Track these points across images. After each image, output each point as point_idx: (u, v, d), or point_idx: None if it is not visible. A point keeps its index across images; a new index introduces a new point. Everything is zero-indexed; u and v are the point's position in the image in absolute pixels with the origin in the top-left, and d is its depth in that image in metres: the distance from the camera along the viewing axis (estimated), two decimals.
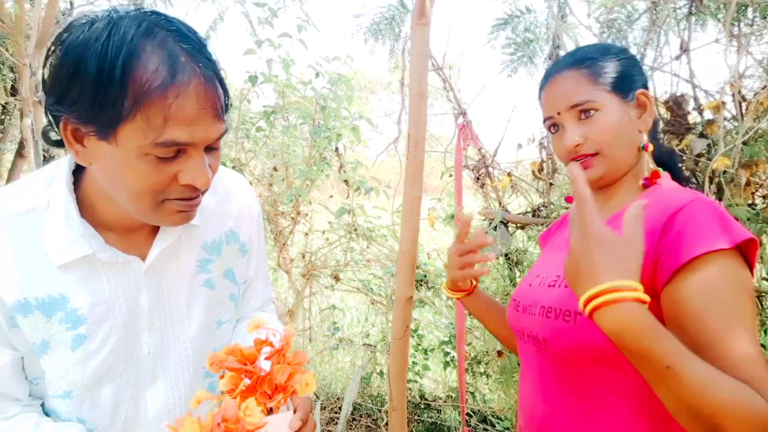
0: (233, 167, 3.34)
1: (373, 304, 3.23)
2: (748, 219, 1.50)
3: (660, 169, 0.98)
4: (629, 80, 0.96)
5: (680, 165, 1.07)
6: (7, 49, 4.20)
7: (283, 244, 3.34)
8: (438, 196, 2.83)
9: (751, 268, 0.79)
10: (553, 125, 1.00)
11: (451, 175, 2.38)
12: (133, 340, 0.87)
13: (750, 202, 1.64)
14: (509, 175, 2.21)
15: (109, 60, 0.64)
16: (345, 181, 3.08)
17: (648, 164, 0.97)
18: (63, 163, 0.83)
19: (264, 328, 0.77)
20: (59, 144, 0.76)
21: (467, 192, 2.69)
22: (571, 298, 0.91)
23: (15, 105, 4.72)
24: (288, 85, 3.24)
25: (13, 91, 4.73)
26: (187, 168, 0.72)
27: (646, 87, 0.99)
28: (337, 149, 3.11)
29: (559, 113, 0.97)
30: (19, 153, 4.77)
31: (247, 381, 0.74)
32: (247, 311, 1.10)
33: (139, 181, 0.71)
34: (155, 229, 0.88)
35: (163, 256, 0.88)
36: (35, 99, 3.72)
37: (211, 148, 0.76)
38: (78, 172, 0.84)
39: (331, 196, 3.46)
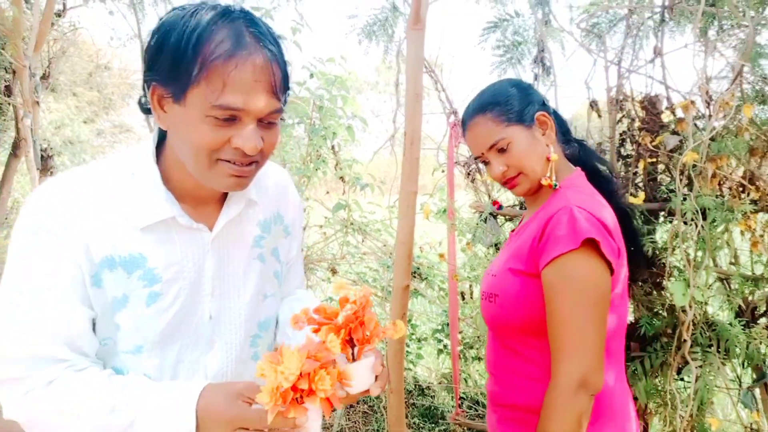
0: None
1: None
2: (714, 208, 1.66)
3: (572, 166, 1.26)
4: (526, 110, 1.21)
5: (594, 159, 1.30)
6: (2, 50, 4.25)
7: None
8: (430, 192, 2.98)
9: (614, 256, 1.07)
10: (483, 161, 1.24)
11: (443, 171, 2.52)
12: (196, 303, 0.94)
13: (717, 193, 1.80)
14: None
15: (186, 33, 0.76)
16: (341, 177, 3.22)
17: (556, 168, 1.22)
18: (148, 140, 0.94)
19: (346, 288, 0.85)
20: (148, 111, 0.88)
21: (458, 188, 2.84)
22: (494, 284, 1.20)
23: (9, 106, 4.75)
24: None
25: (7, 92, 4.76)
26: (239, 134, 0.81)
27: (543, 106, 1.23)
28: (333, 147, 3.23)
29: (482, 153, 1.22)
30: (14, 153, 4.80)
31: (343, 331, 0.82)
32: (289, 290, 1.18)
33: (200, 138, 0.80)
34: (221, 203, 0.97)
35: (227, 228, 0.97)
36: (34, 99, 3.80)
37: (266, 124, 0.85)
38: (159, 148, 0.93)
39: (328, 193, 3.59)
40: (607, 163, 1.33)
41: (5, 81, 4.58)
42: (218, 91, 0.77)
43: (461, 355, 2.86)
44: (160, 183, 0.89)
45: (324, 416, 0.81)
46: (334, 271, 3.29)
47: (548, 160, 1.20)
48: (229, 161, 0.84)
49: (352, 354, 0.84)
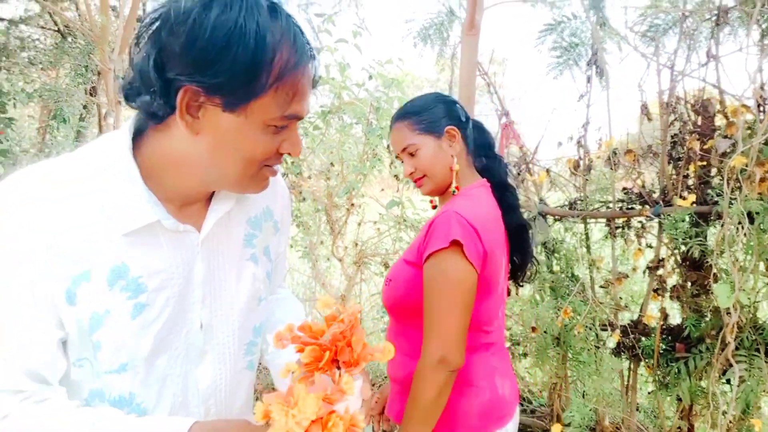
0: (292, 162, 3.65)
1: None
2: (762, 212, 1.67)
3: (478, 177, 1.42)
4: (439, 122, 1.37)
5: (501, 174, 1.44)
6: (91, 55, 4.64)
7: (337, 234, 3.63)
8: None
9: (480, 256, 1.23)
10: (400, 159, 1.41)
11: None
12: (186, 311, 0.86)
13: None
14: (547, 171, 2.41)
15: (257, 42, 0.69)
16: (395, 176, 3.34)
17: (459, 176, 1.38)
18: (120, 133, 0.80)
19: (331, 304, 0.80)
20: (127, 98, 0.77)
21: None
22: (392, 271, 1.37)
23: (92, 105, 5.14)
24: (343, 87, 3.51)
25: (93, 92, 5.16)
26: (288, 139, 0.79)
27: (459, 122, 1.39)
28: (388, 146, 3.36)
29: (398, 154, 1.39)
30: None
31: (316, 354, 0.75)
32: (273, 288, 1.09)
33: (256, 149, 0.77)
34: (208, 203, 0.89)
35: (216, 228, 0.88)
36: (118, 100, 4.15)
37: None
38: (134, 142, 0.82)
39: (383, 190, 3.72)
40: (513, 180, 1.51)
41: (92, 82, 4.97)
42: (287, 103, 0.74)
43: (509, 352, 2.92)
44: (139, 182, 0.78)
45: None
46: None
47: (451, 169, 1.35)
48: (269, 166, 0.82)
49: (339, 375, 0.76)
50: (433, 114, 1.37)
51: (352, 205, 3.54)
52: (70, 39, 4.81)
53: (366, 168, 3.41)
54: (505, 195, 1.40)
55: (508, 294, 1.56)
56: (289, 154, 0.81)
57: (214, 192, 0.89)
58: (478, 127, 1.47)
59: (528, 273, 1.50)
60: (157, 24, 0.72)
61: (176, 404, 0.87)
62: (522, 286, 1.57)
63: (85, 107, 5.14)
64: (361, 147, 3.49)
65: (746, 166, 1.72)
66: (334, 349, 0.75)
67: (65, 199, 0.75)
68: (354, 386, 0.72)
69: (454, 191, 1.35)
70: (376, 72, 3.44)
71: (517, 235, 1.41)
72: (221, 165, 0.78)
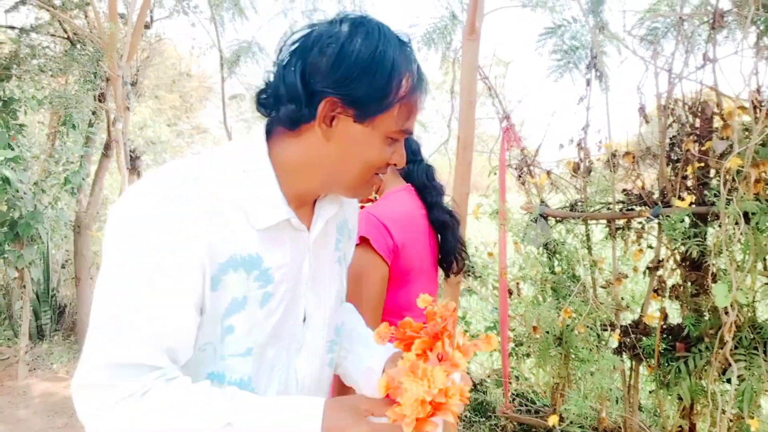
0: None
1: None
2: (758, 212, 1.70)
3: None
4: None
5: (423, 178, 1.57)
6: (99, 61, 4.71)
7: None
8: (485, 193, 3.09)
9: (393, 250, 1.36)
10: None
11: (495, 173, 2.63)
12: (294, 305, 0.94)
13: (767, 198, 1.83)
14: (548, 173, 2.45)
15: (393, 67, 0.83)
16: None
17: (387, 183, 1.53)
18: (256, 136, 0.90)
19: (427, 302, 0.86)
20: (264, 107, 0.89)
21: (510, 190, 2.93)
22: None
23: (101, 111, 5.21)
24: None
25: (101, 98, 5.23)
26: (397, 150, 0.91)
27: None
28: None
29: None
30: (105, 153, 5.26)
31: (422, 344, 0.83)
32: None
33: (375, 156, 0.87)
34: (313, 206, 0.98)
35: (320, 229, 0.97)
36: (126, 106, 4.22)
37: None
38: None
39: None
40: (434, 181, 1.61)
41: (101, 89, 5.04)
42: (406, 118, 0.87)
43: (512, 353, 2.96)
44: (275, 183, 0.88)
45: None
46: None
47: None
48: (377, 174, 0.92)
49: (452, 351, 0.83)
50: None
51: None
52: (79, 46, 4.88)
53: None
54: (426, 195, 1.54)
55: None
56: (395, 164, 0.92)
57: (317, 197, 0.99)
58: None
59: (456, 265, 1.60)
60: (301, 44, 0.85)
61: (280, 393, 0.94)
62: (449, 276, 1.66)
63: (94, 113, 5.21)
64: None
65: (742, 167, 1.75)
66: (442, 339, 0.82)
67: (213, 195, 0.82)
68: (464, 362, 0.80)
69: (375, 197, 1.49)
70: None
71: (440, 231, 1.56)
72: (345, 169, 0.89)
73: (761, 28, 1.94)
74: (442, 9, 3.62)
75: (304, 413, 0.80)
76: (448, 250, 1.58)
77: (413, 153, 1.59)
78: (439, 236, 1.58)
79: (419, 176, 1.57)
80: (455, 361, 0.79)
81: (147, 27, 5.28)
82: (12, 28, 4.99)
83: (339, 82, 0.82)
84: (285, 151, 0.90)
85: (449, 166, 3.32)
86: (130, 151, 4.70)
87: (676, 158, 2.13)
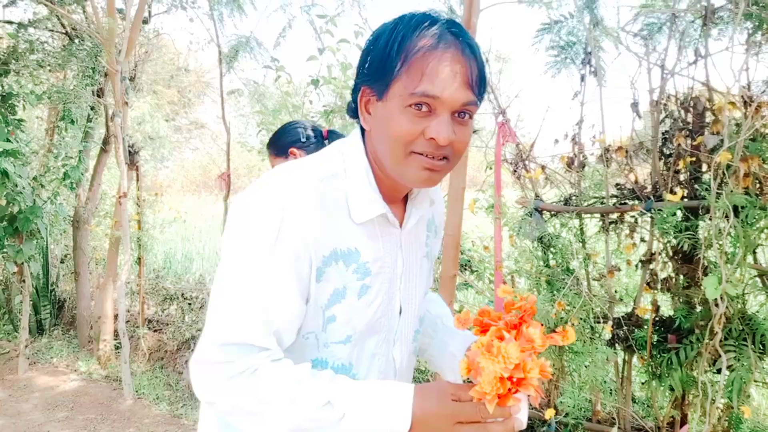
0: None
1: None
2: (747, 206, 1.73)
3: None
4: (284, 147, 1.68)
5: None
6: (97, 57, 4.72)
7: None
8: (481, 188, 3.12)
9: None
10: None
11: (491, 168, 2.66)
12: (390, 297, 0.98)
13: (757, 192, 1.86)
14: (543, 167, 2.48)
15: (393, 35, 0.83)
16: None
17: None
18: (354, 139, 0.95)
19: (508, 292, 0.87)
20: (355, 114, 0.94)
21: (508, 184, 2.96)
22: None
23: (100, 106, 5.22)
24: (346, 86, 3.58)
25: (100, 93, 5.24)
26: (433, 124, 0.83)
27: (296, 144, 1.68)
28: None
29: None
30: (104, 148, 5.28)
31: (506, 334, 0.81)
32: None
33: (398, 128, 0.84)
34: (404, 203, 1.01)
35: (412, 225, 1.01)
36: (125, 101, 4.23)
37: (460, 120, 0.86)
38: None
39: None
40: None
41: (99, 84, 5.05)
42: (417, 81, 0.82)
43: None
44: (373, 180, 0.93)
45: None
46: None
47: None
48: (421, 154, 0.86)
49: (526, 328, 0.83)
50: (280, 141, 1.69)
51: None
52: (77, 41, 4.89)
53: None
54: None
55: None
56: (433, 139, 0.84)
57: (407, 196, 1.01)
58: (333, 137, 1.72)
59: None
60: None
61: (380, 379, 1.00)
62: None
63: (92, 108, 5.22)
64: None
65: (732, 162, 1.78)
66: (518, 332, 0.82)
67: (318, 192, 0.88)
68: (539, 337, 0.79)
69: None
70: None
71: None
72: (382, 150, 0.89)
73: (753, 24, 1.96)
74: (439, 4, 3.64)
75: (396, 396, 0.84)
76: None
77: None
78: None
79: None
80: (530, 336, 0.79)
81: (145, 22, 5.28)
82: (10, 23, 4.99)
83: (359, 70, 0.90)
84: (368, 149, 0.95)
85: None
86: (129, 146, 4.71)
87: (668, 153, 2.16)
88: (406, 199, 1.02)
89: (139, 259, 5.05)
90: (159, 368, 4.53)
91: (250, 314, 0.84)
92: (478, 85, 0.86)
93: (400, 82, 0.83)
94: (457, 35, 0.85)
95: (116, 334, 4.41)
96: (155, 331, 5.06)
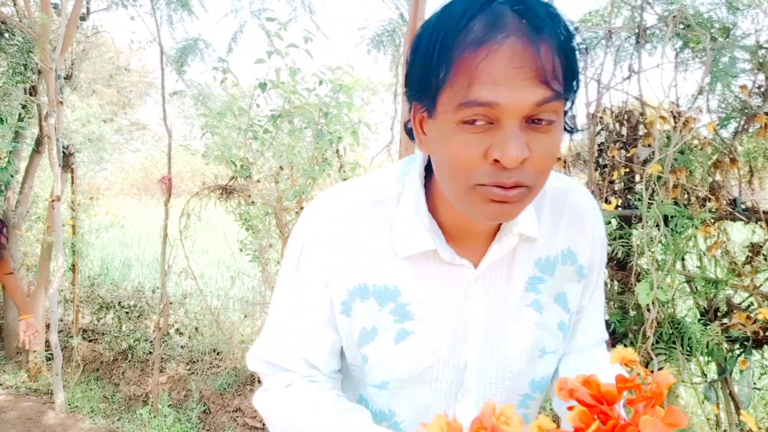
0: (242, 166, 3.65)
1: None
2: (676, 216, 1.82)
3: None
4: None
5: None
6: (31, 53, 4.49)
7: (287, 237, 3.65)
8: None
9: None
10: None
11: None
12: (453, 347, 0.82)
13: (685, 202, 1.96)
14: None
15: (436, 31, 0.63)
16: (344, 179, 3.41)
17: None
18: (417, 158, 0.81)
19: (632, 364, 0.59)
20: (413, 136, 0.75)
21: None
22: None
23: (33, 105, 4.98)
24: (294, 91, 3.55)
25: (32, 92, 5.00)
26: (496, 141, 0.62)
27: None
28: (337, 151, 3.42)
29: None
30: (36, 149, 5.03)
31: (600, 424, 0.55)
32: (576, 347, 0.93)
33: (451, 155, 0.65)
34: (491, 238, 0.80)
35: (495, 267, 0.81)
36: (59, 100, 4.03)
37: (537, 126, 0.63)
38: (428, 170, 0.80)
39: None
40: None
41: (32, 81, 4.81)
42: (465, 89, 0.61)
43: None
44: (424, 209, 0.77)
45: None
46: None
47: None
48: (486, 185, 0.65)
49: None
50: None
51: (302, 208, 3.58)
52: (7, 35, 4.63)
53: (315, 172, 3.46)
54: None
55: None
56: (497, 161, 0.62)
57: (499, 228, 0.80)
58: None
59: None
60: None
61: None
62: None
63: (24, 107, 4.96)
64: (311, 151, 3.53)
65: (662, 173, 1.87)
66: (614, 424, 0.54)
67: (361, 220, 0.79)
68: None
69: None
70: (326, 78, 3.49)
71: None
72: (442, 182, 0.71)
73: (680, 44, 2.08)
74: (390, 12, 3.67)
75: None
76: None
77: None
78: None
79: None
80: None
81: (83, 19, 5.07)
82: None
83: (406, 81, 0.71)
84: (432, 175, 0.78)
85: None
86: (64, 147, 4.50)
87: (603, 164, 2.25)
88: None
89: (74, 265, 4.82)
90: (94, 380, 4.33)
91: (279, 337, 0.85)
92: (562, 74, 0.63)
93: (446, 93, 0.63)
94: (523, 14, 0.61)
95: (48, 345, 4.19)
96: (90, 341, 4.85)
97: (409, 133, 0.77)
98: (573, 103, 0.69)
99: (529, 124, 0.63)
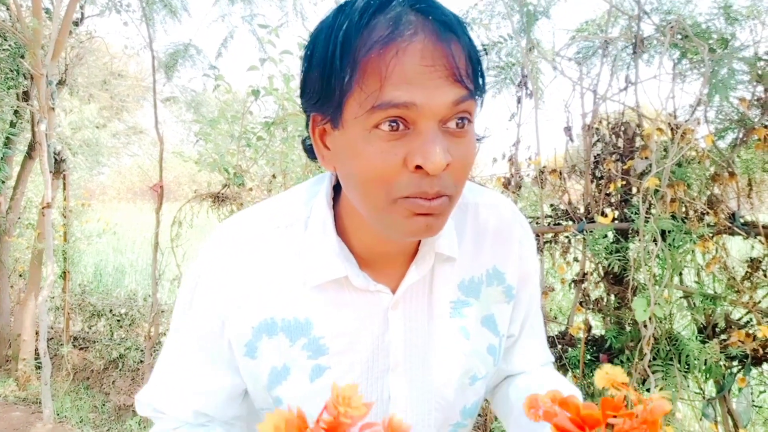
0: (234, 173, 3.61)
1: None
2: (673, 230, 1.78)
3: None
4: None
5: None
6: (23, 58, 4.45)
7: None
8: None
9: None
10: None
11: None
12: (375, 379, 0.75)
13: (683, 216, 1.92)
14: None
15: (333, 34, 0.58)
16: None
17: None
18: (325, 177, 0.74)
19: (622, 387, 0.52)
20: (313, 154, 0.69)
21: None
22: None
23: (26, 110, 4.95)
24: (288, 98, 3.51)
25: (25, 97, 4.96)
26: (415, 147, 0.57)
27: None
28: None
29: None
30: (29, 155, 5.00)
31: None
32: (517, 369, 0.88)
33: (366, 166, 0.59)
34: (409, 260, 0.74)
35: (413, 291, 0.75)
36: (50, 106, 3.99)
37: (453, 130, 0.59)
38: (337, 189, 0.74)
39: None
40: None
41: (23, 87, 4.77)
42: (377, 91, 0.56)
43: None
44: (332, 233, 0.70)
45: None
46: None
47: None
48: (409, 197, 0.59)
49: None
50: None
51: None
52: None
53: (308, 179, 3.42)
54: None
55: None
56: (419, 167, 0.57)
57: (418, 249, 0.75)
58: None
59: None
60: None
61: None
62: None
63: (16, 113, 4.92)
64: (305, 159, 3.49)
65: (659, 187, 1.83)
66: None
67: (266, 249, 0.72)
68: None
69: None
70: None
71: None
72: (354, 199, 0.65)
73: (678, 54, 2.04)
74: None
75: None
76: None
77: None
78: None
79: None
80: None
81: (76, 24, 5.03)
82: None
83: (302, 90, 0.64)
84: (341, 195, 0.71)
85: None
86: (55, 153, 4.45)
87: (600, 176, 2.21)
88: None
89: (65, 273, 4.76)
90: (84, 389, 4.27)
91: (167, 382, 0.77)
92: (472, 73, 0.59)
93: (354, 98, 0.57)
94: (426, 12, 0.58)
95: (38, 354, 4.13)
96: (81, 349, 4.78)
97: (308, 151, 0.70)
98: (482, 106, 0.64)
99: (445, 129, 0.59)
